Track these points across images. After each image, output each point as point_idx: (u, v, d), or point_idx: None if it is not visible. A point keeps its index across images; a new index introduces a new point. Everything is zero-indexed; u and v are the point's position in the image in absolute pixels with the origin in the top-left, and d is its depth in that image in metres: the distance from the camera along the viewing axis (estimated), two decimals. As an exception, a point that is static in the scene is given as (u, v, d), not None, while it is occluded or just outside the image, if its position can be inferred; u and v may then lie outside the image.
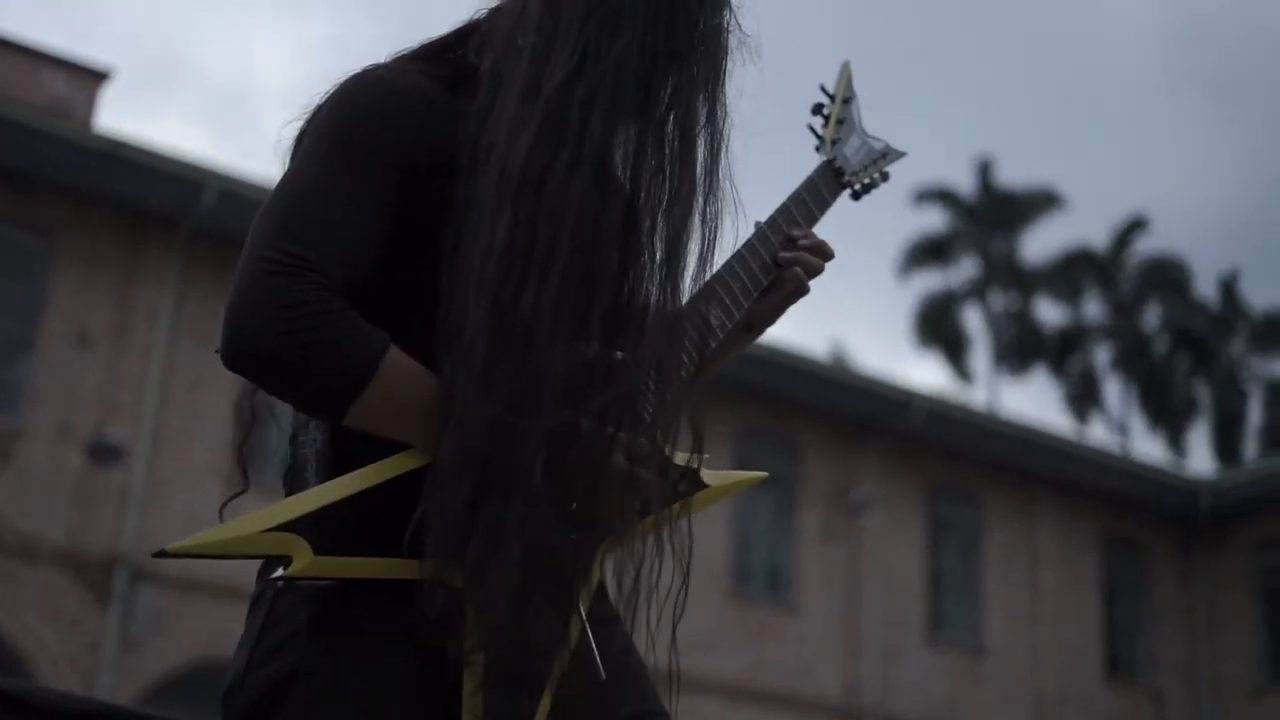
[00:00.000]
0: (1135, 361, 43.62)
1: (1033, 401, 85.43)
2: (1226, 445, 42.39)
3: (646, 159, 1.93)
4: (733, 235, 2.07)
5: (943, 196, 43.12)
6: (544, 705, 1.90)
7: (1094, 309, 44.32)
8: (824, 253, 2.35)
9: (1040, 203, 43.61)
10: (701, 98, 1.99)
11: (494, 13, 2.06)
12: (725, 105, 2.01)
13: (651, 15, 1.95)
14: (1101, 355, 44.50)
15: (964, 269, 43.80)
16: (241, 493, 2.04)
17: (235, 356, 1.79)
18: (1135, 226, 44.08)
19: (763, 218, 2.31)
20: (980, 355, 44.29)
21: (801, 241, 2.33)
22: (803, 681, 21.85)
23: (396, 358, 1.83)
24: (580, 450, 1.85)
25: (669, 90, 1.96)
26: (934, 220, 43.71)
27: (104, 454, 17.60)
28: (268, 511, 1.81)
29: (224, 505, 1.98)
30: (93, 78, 20.06)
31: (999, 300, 44.23)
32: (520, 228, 1.83)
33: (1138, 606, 25.94)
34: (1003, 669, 23.80)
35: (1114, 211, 70.39)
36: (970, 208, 43.54)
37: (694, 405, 2.01)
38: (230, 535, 1.79)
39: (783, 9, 2.16)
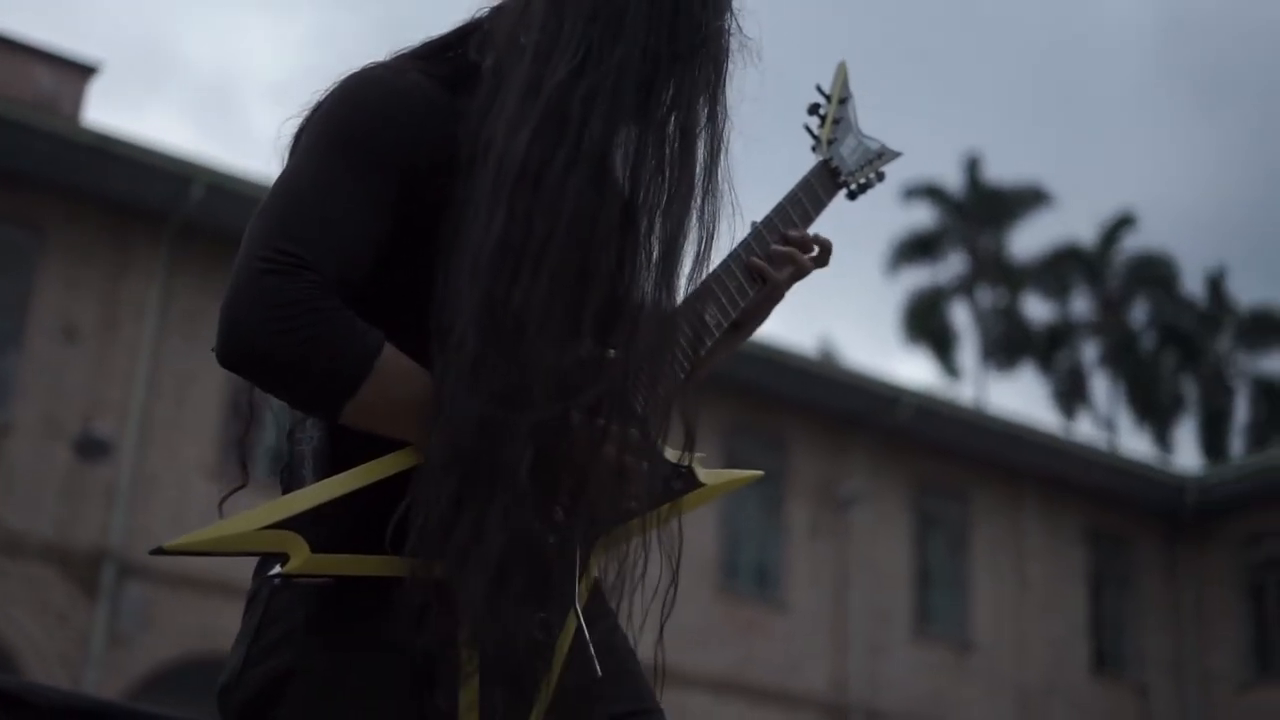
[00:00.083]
0: (1122, 358, 43.70)
1: (1020, 397, 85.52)
2: (1213, 441, 42.50)
3: (646, 159, 1.94)
4: (730, 237, 2.08)
5: (931, 193, 43.15)
6: (540, 704, 1.90)
7: (1081, 305, 44.41)
8: (820, 252, 2.37)
9: (1028, 199, 43.64)
10: (703, 100, 1.99)
11: (496, 11, 2.07)
12: (726, 107, 2.01)
13: (655, 17, 1.95)
14: (1089, 351, 44.60)
15: (952, 265, 43.85)
16: (240, 488, 2.04)
17: (230, 354, 1.79)
18: (1123, 223, 44.15)
19: (758, 218, 2.32)
20: (968, 351, 44.35)
21: (792, 239, 2.35)
22: (790, 677, 21.87)
23: (392, 356, 1.83)
24: (570, 444, 1.85)
25: (670, 92, 1.97)
26: (922, 216, 43.77)
27: (91, 449, 17.57)
28: (265, 509, 1.81)
29: (223, 500, 1.98)
30: (80, 72, 20.03)
31: (987, 296, 44.28)
32: (516, 223, 1.84)
33: (1124, 601, 25.99)
34: (990, 663, 23.84)
35: (1102, 208, 70.45)
36: (958, 204, 43.57)
37: (687, 403, 2.02)
38: (228, 532, 1.79)
39: (770, 6, 2.16)
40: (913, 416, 23.25)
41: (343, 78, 2.00)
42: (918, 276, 43.75)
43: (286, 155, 2.00)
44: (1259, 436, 41.91)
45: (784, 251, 2.33)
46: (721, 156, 2.00)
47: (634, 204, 1.93)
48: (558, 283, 1.83)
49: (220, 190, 18.38)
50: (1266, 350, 43.45)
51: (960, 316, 44.28)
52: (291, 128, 2.03)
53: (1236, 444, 42.56)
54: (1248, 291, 79.42)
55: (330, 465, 1.91)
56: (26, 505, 17.43)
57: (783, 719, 21.64)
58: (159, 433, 18.41)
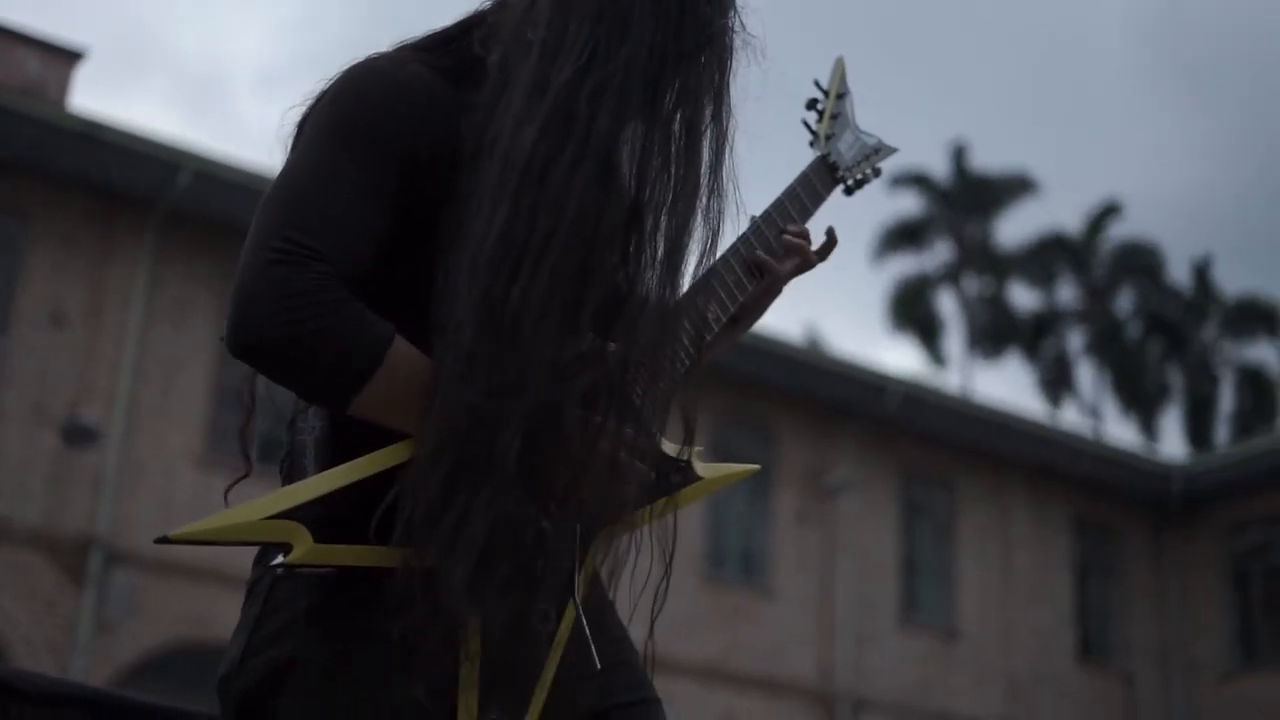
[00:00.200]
0: (1108, 346, 43.75)
1: (1006, 386, 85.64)
2: (1198, 430, 42.57)
3: (652, 157, 1.94)
4: (732, 234, 2.09)
5: (917, 181, 43.15)
6: (539, 695, 1.91)
7: (1067, 294, 44.43)
8: (825, 244, 2.39)
9: (1014, 188, 43.66)
10: (708, 98, 1.99)
11: (500, 6, 2.07)
12: (730, 106, 2.02)
13: (661, 16, 1.96)
14: (1074, 340, 44.64)
15: (938, 253, 43.86)
16: (244, 477, 2.04)
17: (240, 345, 1.80)
18: (1109, 212, 44.19)
19: (756, 212, 2.33)
20: (954, 339, 44.39)
21: (789, 237, 2.36)
22: (777, 664, 21.90)
23: (401, 348, 1.84)
24: (565, 437, 1.85)
25: (676, 90, 1.97)
26: (908, 204, 43.77)
27: (78, 435, 17.54)
28: (269, 499, 1.81)
29: (228, 490, 1.99)
30: (66, 58, 19.96)
31: (973, 285, 44.30)
32: (519, 218, 1.84)
33: (1110, 590, 26.05)
34: (976, 652, 23.88)
35: (1087, 197, 70.50)
36: (945, 192, 43.57)
37: (687, 398, 2.02)
38: (232, 522, 1.79)
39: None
40: (900, 405, 23.27)
41: (345, 68, 2.01)
42: (904, 265, 43.79)
43: (289, 146, 2.01)
44: (1244, 425, 41.97)
45: (790, 244, 2.34)
46: (726, 154, 2.01)
47: (639, 201, 1.93)
48: (558, 279, 1.83)
49: (207, 177, 18.35)
50: (1251, 339, 43.52)
51: (946, 305, 44.34)
52: (294, 117, 2.04)
53: (1222, 432, 42.65)
54: (1233, 280, 79.41)
55: (332, 455, 1.92)
56: (13, 492, 17.40)
57: (769, 706, 21.67)
58: (146, 420, 18.38)
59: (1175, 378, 43.71)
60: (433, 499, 1.79)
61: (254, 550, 1.96)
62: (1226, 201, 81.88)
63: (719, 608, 21.24)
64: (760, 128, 2.08)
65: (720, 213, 2.00)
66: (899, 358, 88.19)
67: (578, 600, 1.96)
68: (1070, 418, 41.51)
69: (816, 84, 2.55)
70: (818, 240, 2.42)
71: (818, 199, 2.45)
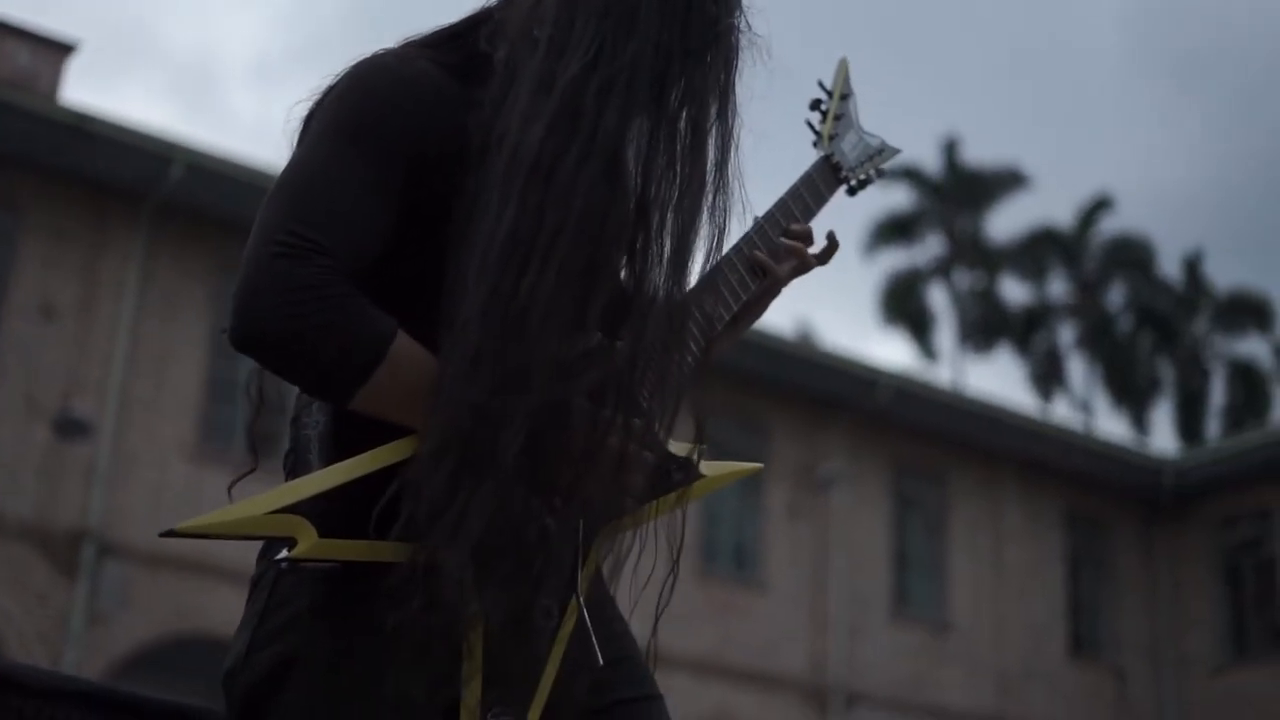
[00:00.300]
0: (1099, 340, 43.81)
1: (997, 379, 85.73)
2: (1189, 424, 42.64)
3: (658, 154, 1.94)
4: (737, 233, 2.09)
5: (909, 175, 43.15)
6: (541, 691, 1.91)
7: (1058, 288, 44.49)
8: (825, 248, 2.40)
9: (1006, 182, 43.68)
10: (714, 96, 2.00)
11: (507, 2, 2.07)
12: (736, 104, 2.03)
13: (668, 14, 1.97)
14: (1066, 334, 44.69)
15: (929, 247, 43.89)
16: (250, 472, 2.04)
17: (243, 338, 1.80)
18: (1100, 206, 44.22)
19: (760, 212, 2.33)
20: (945, 333, 44.50)
21: (795, 232, 2.36)
22: (769, 658, 21.93)
23: (404, 343, 1.84)
24: (571, 433, 1.85)
25: (682, 88, 1.98)
26: (900, 198, 43.78)
27: (70, 428, 17.53)
28: (274, 493, 1.81)
29: (232, 485, 1.98)
30: (58, 50, 19.93)
31: (964, 279, 44.34)
32: (526, 215, 1.84)
33: (1101, 584, 26.09)
34: (967, 646, 23.92)
35: (1079, 191, 70.74)
36: (936, 186, 43.58)
37: (696, 396, 2.03)
38: (237, 516, 1.79)
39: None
40: (891, 399, 23.29)
41: (352, 64, 2.01)
42: (895, 258, 43.81)
43: (296, 141, 2.01)
44: (1235, 419, 42.05)
45: (790, 245, 2.35)
46: (732, 153, 2.01)
47: (645, 199, 1.94)
48: (565, 276, 1.83)
49: (199, 170, 18.34)
50: (1243, 333, 43.58)
51: (937, 298, 44.37)
52: (300, 112, 2.04)
53: (1213, 426, 42.71)
54: (1224, 274, 79.78)
55: (336, 450, 1.92)
56: (5, 484, 17.39)
57: (762, 700, 21.70)
58: (137, 412, 18.37)
59: (1166, 372, 43.77)
60: (436, 495, 1.79)
61: (251, 544, 1.95)
62: (1218, 195, 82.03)
63: (711, 602, 21.25)
64: (762, 125, 2.09)
65: (726, 211, 2.00)
66: (890, 352, 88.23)
67: (580, 596, 1.97)
68: (1061, 412, 41.60)
69: (820, 85, 2.57)
70: (822, 238, 2.43)
71: (821, 199, 2.47)
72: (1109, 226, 44.24)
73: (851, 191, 2.56)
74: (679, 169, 1.96)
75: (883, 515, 23.85)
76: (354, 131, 1.91)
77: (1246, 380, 43.03)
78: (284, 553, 1.83)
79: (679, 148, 1.96)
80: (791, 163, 2.46)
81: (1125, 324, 44.15)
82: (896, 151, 2.62)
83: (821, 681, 22.33)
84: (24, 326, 18.01)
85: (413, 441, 1.87)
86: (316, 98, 2.02)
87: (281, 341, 1.79)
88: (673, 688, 2.15)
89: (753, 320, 2.39)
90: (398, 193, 1.91)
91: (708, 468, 2.19)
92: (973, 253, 43.82)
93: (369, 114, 1.92)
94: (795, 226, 2.37)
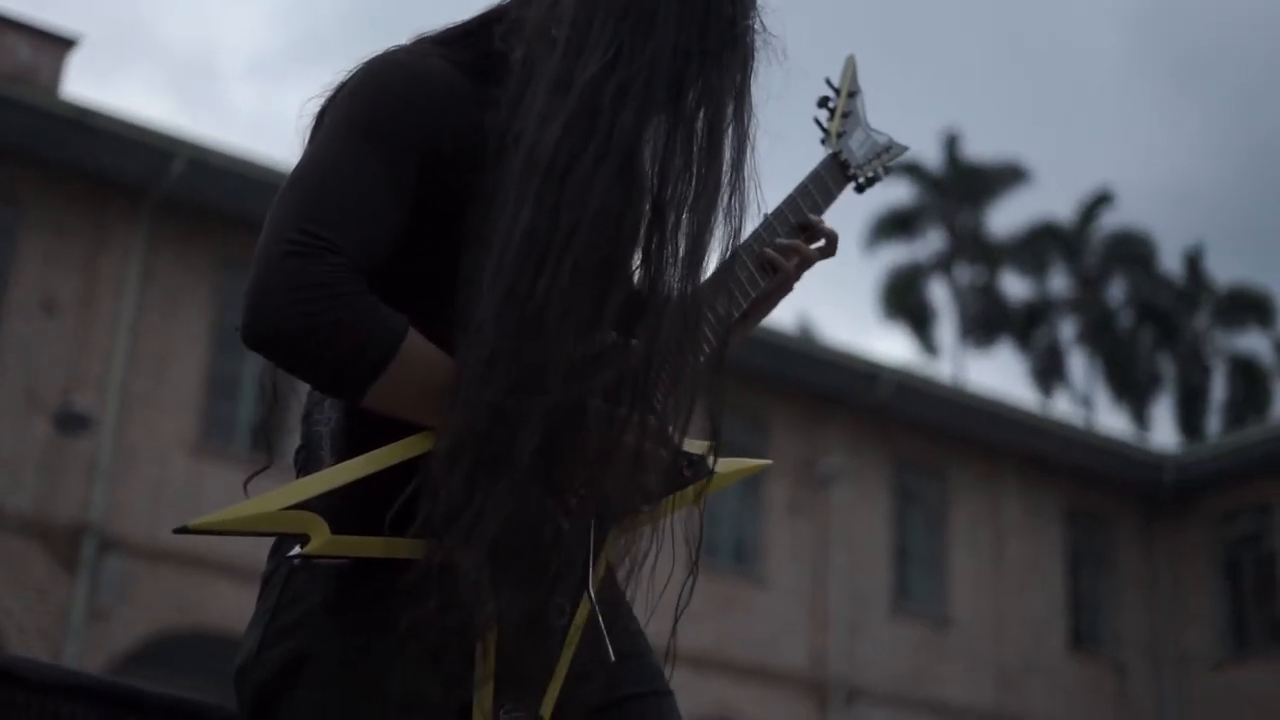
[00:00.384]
0: (1100, 335, 43.81)
1: (998, 375, 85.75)
2: (1190, 419, 42.66)
3: (674, 155, 1.94)
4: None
5: (910, 170, 43.14)
6: (553, 688, 1.92)
7: (1059, 283, 44.49)
8: (826, 243, 2.40)
9: (1007, 176, 43.68)
10: (730, 97, 2.00)
11: (523, 1, 2.06)
12: (752, 105, 2.03)
13: (687, 15, 1.97)
14: (1066, 329, 44.69)
15: (930, 242, 43.89)
16: (265, 468, 2.04)
17: (255, 336, 1.80)
18: (1101, 201, 44.23)
19: (769, 209, 2.34)
20: (945, 328, 44.48)
21: (814, 230, 2.38)
22: (769, 653, 21.93)
23: (416, 340, 1.84)
24: (587, 432, 1.86)
25: (699, 89, 1.98)
26: (901, 193, 43.78)
27: (71, 423, 17.53)
28: (287, 489, 1.82)
29: (248, 481, 1.98)
30: (59, 44, 19.92)
31: (965, 273, 44.34)
32: (542, 216, 1.84)
33: (1101, 579, 26.08)
34: (968, 641, 23.92)
35: (1080, 186, 70.70)
36: (937, 181, 43.59)
37: (711, 395, 2.03)
38: (251, 512, 1.79)
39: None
40: (892, 394, 23.28)
41: (365, 60, 2.01)
42: (896, 253, 43.83)
43: (308, 137, 2.02)
44: (1235, 414, 42.07)
45: (788, 243, 2.36)
46: (748, 154, 2.01)
47: (661, 199, 1.94)
48: (581, 276, 1.84)
49: (201, 165, 18.33)
50: (1243, 328, 43.59)
51: (938, 294, 44.38)
52: (312, 109, 2.04)
53: (1213, 422, 42.73)
54: (1225, 270, 79.66)
55: (348, 447, 1.92)
56: (6, 479, 17.38)
57: (762, 695, 21.71)
58: (138, 407, 18.37)
59: (1167, 367, 43.78)
60: (453, 495, 1.79)
61: (252, 540, 1.95)
62: (1218, 191, 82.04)
63: (712, 597, 21.23)
64: (778, 126, 2.10)
65: (741, 211, 2.01)
66: (891, 346, 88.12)
67: (592, 593, 1.97)
68: (1062, 407, 41.61)
69: (828, 82, 2.58)
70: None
71: (829, 196, 2.48)
72: (1110, 222, 44.29)
73: (860, 189, 2.58)
74: (695, 170, 1.96)
75: (883, 510, 23.85)
76: (367, 128, 1.91)
77: (1247, 375, 43.04)
78: (296, 549, 1.84)
79: (695, 149, 1.96)
80: (800, 161, 2.47)
81: (1126, 319, 44.16)
82: (904, 149, 2.63)
83: (822, 676, 22.34)
84: (25, 321, 18.00)
85: (425, 438, 1.87)
86: (329, 94, 2.03)
87: (293, 339, 1.79)
88: (673, 683, 2.15)
89: (762, 317, 2.40)
90: (410, 190, 1.91)
91: (717, 464, 2.19)
92: (973, 248, 43.83)
93: (382, 110, 1.92)
94: (811, 217, 2.39)
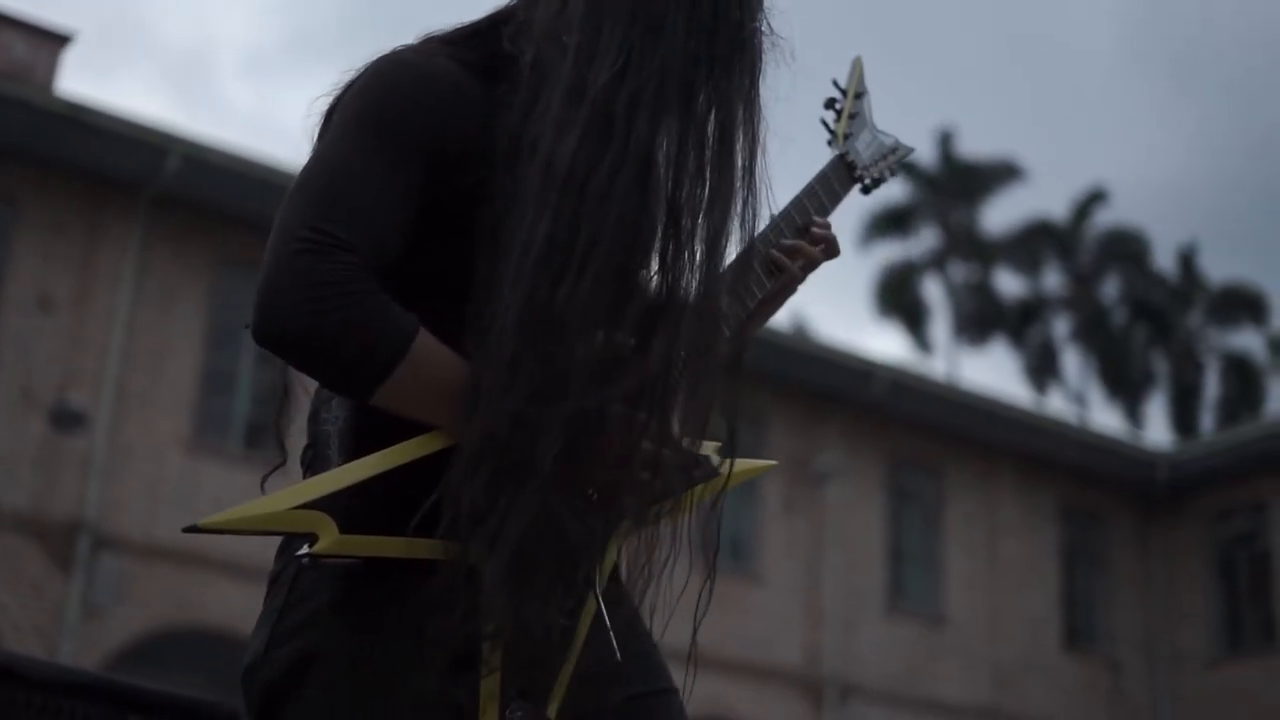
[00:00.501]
0: (1094, 333, 43.83)
1: (992, 372, 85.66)
2: (1183, 417, 42.68)
3: (688, 160, 1.95)
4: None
5: (904, 167, 42.99)
6: (560, 687, 1.92)
7: (1053, 280, 44.49)
8: (826, 244, 2.41)
9: (1001, 174, 43.69)
10: (740, 101, 2.01)
11: (531, 2, 2.07)
12: (762, 108, 2.03)
13: (695, 20, 1.97)
14: (1060, 326, 44.70)
15: (924, 240, 43.88)
16: (280, 466, 2.05)
17: (266, 334, 1.81)
18: (1095, 198, 44.24)
19: (776, 209, 2.35)
20: (940, 326, 44.43)
21: (815, 231, 2.38)
22: (764, 651, 21.94)
23: (426, 340, 1.84)
24: (607, 438, 1.87)
25: (710, 94, 1.98)
26: (895, 191, 43.76)
27: (66, 420, 17.53)
28: (295, 489, 1.82)
29: (265, 479, 1.99)
30: (54, 40, 19.90)
31: (959, 271, 44.34)
32: (561, 225, 1.85)
33: (1096, 577, 26.11)
34: (963, 639, 23.94)
35: (1074, 183, 70.54)
36: (931, 178, 43.59)
37: (726, 397, 2.03)
38: (258, 512, 1.80)
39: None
40: (887, 392, 23.30)
41: (373, 60, 2.01)
42: (890, 251, 43.79)
43: (316, 136, 2.02)
44: (1229, 412, 42.09)
45: (793, 244, 2.36)
46: (759, 157, 2.02)
47: (675, 205, 1.95)
48: (600, 284, 1.85)
49: (196, 161, 18.32)
50: (1236, 326, 43.61)
51: (932, 291, 44.36)
52: (320, 108, 2.05)
53: (1207, 420, 42.75)
54: (1219, 267, 79.50)
55: (356, 446, 1.92)
56: (1, 476, 17.37)
57: (757, 693, 21.72)
58: (134, 405, 18.36)
59: (1161, 365, 43.80)
60: (476, 501, 1.80)
61: (249, 538, 1.96)
62: (1212, 189, 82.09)
63: (706, 594, 21.23)
64: (787, 128, 2.10)
65: (754, 214, 2.01)
66: (885, 344, 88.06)
67: (598, 593, 1.97)
68: (1056, 404, 41.61)
69: (835, 84, 2.58)
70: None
71: (836, 197, 2.48)
72: (1104, 219, 44.27)
73: (866, 190, 2.58)
74: (709, 175, 1.96)
75: (878, 508, 23.87)
76: (375, 127, 1.92)
77: (1241, 373, 43.07)
78: (305, 549, 1.83)
79: (708, 154, 1.97)
80: (808, 163, 2.48)
81: (1120, 317, 44.18)
82: (911, 150, 2.64)
83: (816, 674, 22.36)
84: (20, 318, 17.99)
85: (434, 438, 1.88)
86: (336, 93, 2.03)
87: (303, 338, 1.80)
88: (684, 686, 2.16)
89: (767, 318, 2.41)
90: (418, 190, 1.91)
91: (724, 466, 2.20)
92: (968, 245, 43.83)
93: (390, 109, 1.93)
94: (819, 220, 2.40)
